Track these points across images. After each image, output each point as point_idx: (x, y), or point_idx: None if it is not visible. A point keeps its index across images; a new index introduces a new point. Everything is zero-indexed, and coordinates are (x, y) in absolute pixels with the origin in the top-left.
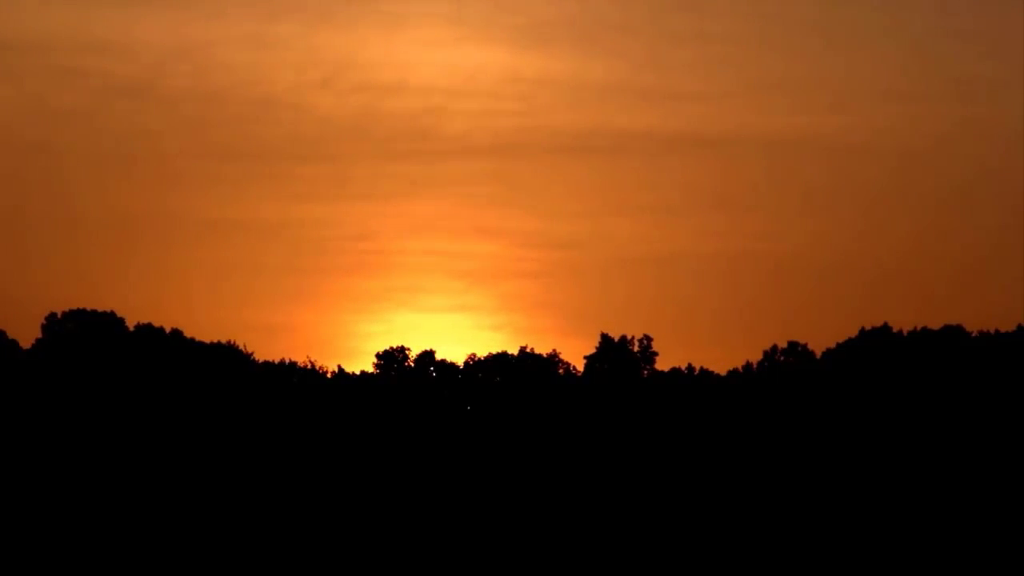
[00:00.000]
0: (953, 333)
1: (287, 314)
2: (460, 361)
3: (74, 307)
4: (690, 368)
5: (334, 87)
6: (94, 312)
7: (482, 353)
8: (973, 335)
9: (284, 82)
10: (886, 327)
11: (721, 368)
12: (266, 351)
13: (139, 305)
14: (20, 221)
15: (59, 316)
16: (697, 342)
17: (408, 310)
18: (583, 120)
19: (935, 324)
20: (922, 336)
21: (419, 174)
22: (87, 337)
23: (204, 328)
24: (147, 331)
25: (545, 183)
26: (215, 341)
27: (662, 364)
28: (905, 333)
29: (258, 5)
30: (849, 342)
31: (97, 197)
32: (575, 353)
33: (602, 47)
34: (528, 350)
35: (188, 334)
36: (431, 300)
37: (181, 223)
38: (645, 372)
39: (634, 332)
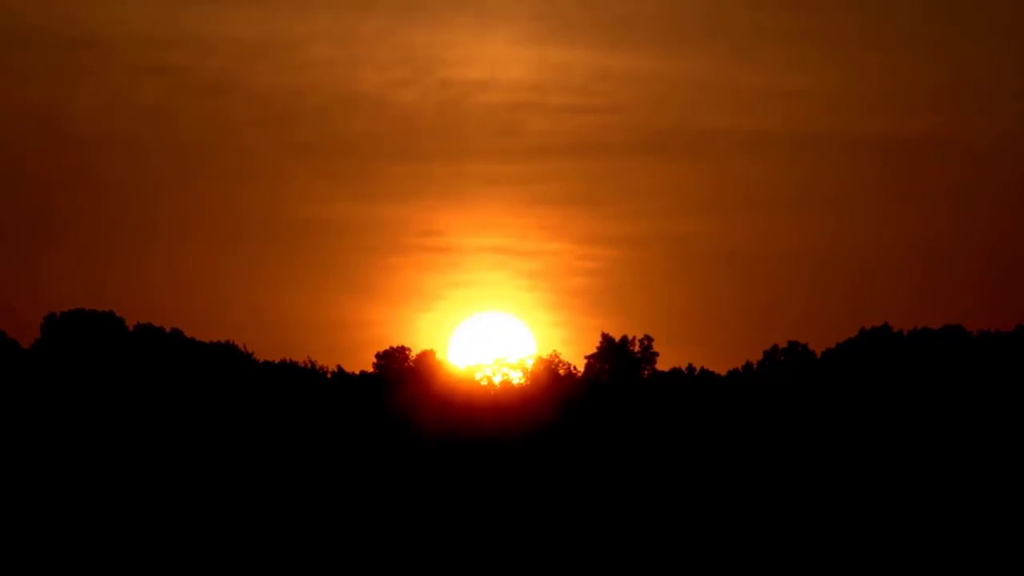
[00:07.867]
0: (953, 333)
1: (352, 311)
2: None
3: (86, 307)
4: (690, 368)
5: (419, 84)
6: (94, 312)
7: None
8: (973, 335)
9: (369, 79)
10: (886, 327)
11: (721, 368)
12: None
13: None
14: (94, 220)
15: (58, 316)
16: (697, 342)
17: (469, 309)
18: (668, 118)
19: (935, 324)
20: (922, 336)
21: (498, 172)
22: (87, 337)
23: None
24: (146, 331)
25: (623, 181)
26: (215, 341)
27: (662, 364)
28: (905, 333)
29: (343, 1)
30: (849, 342)
31: (174, 194)
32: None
33: (691, 43)
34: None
35: (189, 334)
36: (493, 298)
37: (259, 220)
38: (646, 372)
39: (636, 332)
